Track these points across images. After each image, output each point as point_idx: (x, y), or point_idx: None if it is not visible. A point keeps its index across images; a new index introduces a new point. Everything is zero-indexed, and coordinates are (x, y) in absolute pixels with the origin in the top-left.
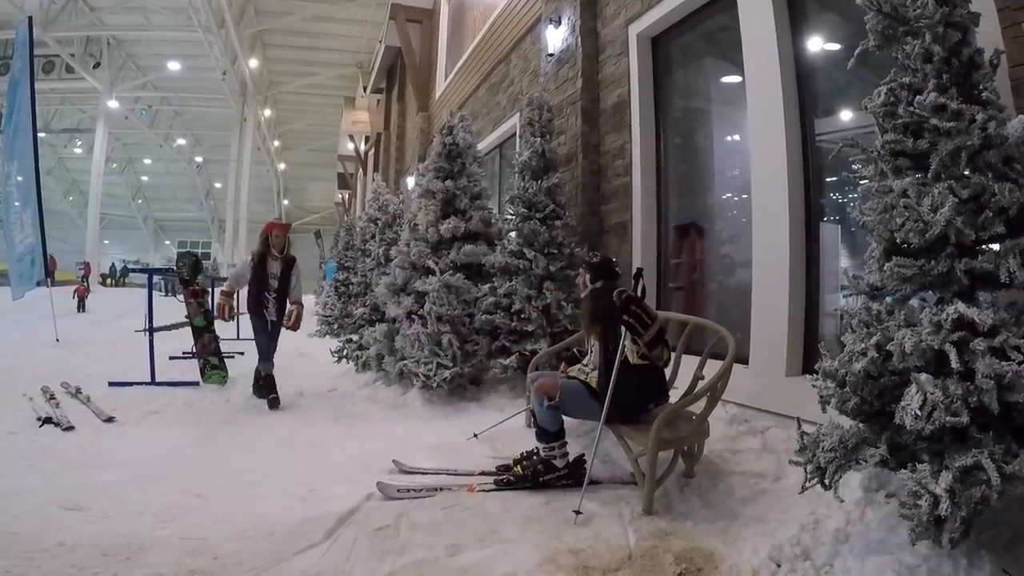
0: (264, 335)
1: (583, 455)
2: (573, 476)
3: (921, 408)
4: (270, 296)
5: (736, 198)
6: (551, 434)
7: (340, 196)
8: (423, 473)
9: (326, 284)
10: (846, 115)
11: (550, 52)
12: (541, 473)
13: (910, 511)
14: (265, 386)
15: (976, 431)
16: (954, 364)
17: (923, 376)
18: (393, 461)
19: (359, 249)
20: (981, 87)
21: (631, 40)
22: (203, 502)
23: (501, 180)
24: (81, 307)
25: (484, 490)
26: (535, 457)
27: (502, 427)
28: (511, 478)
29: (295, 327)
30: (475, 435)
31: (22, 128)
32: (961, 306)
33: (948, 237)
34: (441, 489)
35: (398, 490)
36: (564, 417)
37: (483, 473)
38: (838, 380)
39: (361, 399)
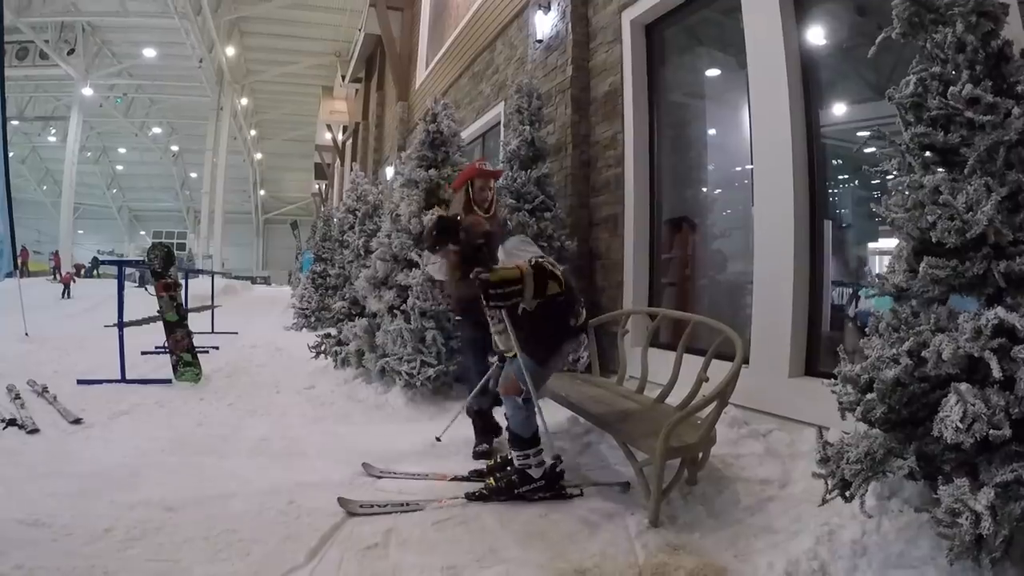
0: (480, 347)
1: (557, 461)
2: (551, 487)
3: (962, 420)
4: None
5: (734, 191)
6: (525, 440)
7: (317, 186)
8: (393, 476)
9: (303, 276)
10: (853, 107)
11: (539, 39)
12: (516, 485)
13: (949, 529)
14: (485, 428)
15: (1016, 443)
16: (996, 373)
17: (963, 386)
18: (363, 464)
19: (337, 240)
20: (1013, 79)
21: (624, 27)
22: (174, 516)
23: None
24: (66, 293)
25: (455, 506)
26: (509, 468)
27: None
28: (484, 492)
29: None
30: (438, 438)
31: None
32: (1001, 311)
33: (987, 237)
34: (408, 504)
35: (360, 506)
36: (548, 419)
37: (455, 479)
38: (861, 386)
39: (340, 398)
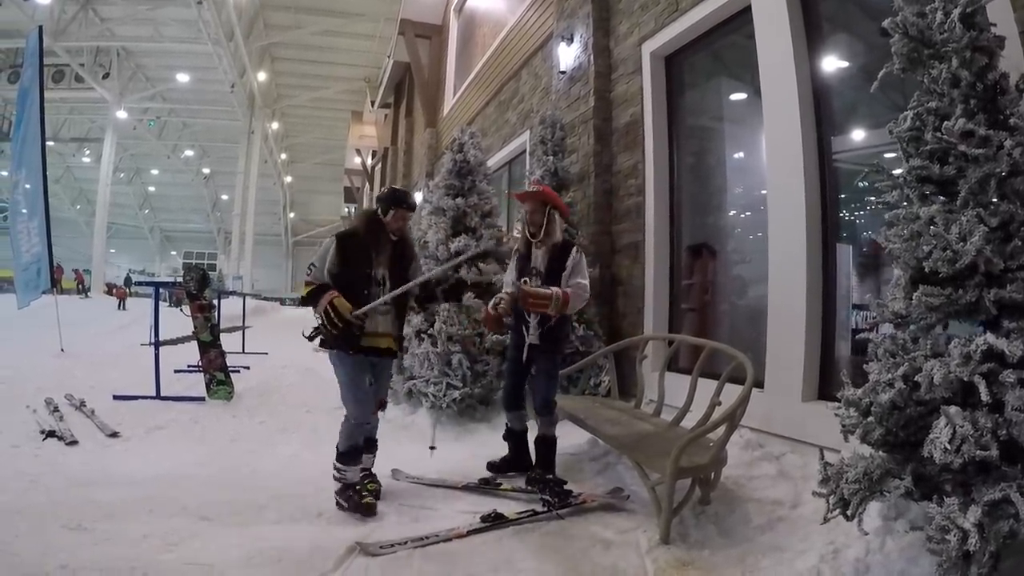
0: (518, 368)
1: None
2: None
3: (951, 441)
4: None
5: (753, 217)
6: (340, 454)
7: (346, 210)
8: (418, 481)
9: None
10: (864, 133)
11: (562, 70)
12: (340, 492)
13: (938, 546)
14: (545, 466)
15: (1004, 464)
16: (984, 397)
17: (952, 409)
18: (392, 471)
19: None
20: (1007, 112)
21: (644, 59)
22: (209, 525)
23: (510, 198)
24: (122, 306)
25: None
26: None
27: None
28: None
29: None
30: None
31: (31, 137)
32: (990, 337)
33: (977, 266)
34: (427, 538)
35: (381, 547)
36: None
37: (466, 487)
38: (862, 409)
39: None
